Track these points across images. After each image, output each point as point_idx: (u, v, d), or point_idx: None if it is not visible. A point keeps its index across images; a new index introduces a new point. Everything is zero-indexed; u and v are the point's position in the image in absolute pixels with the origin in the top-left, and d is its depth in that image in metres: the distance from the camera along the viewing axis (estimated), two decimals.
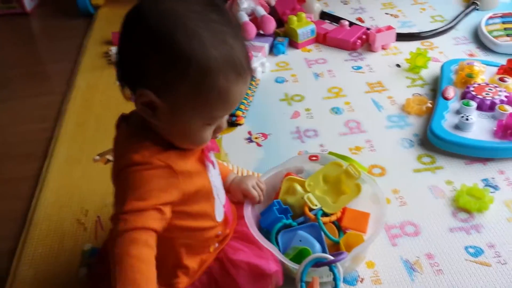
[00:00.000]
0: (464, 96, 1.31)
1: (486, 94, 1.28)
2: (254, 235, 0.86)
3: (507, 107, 1.22)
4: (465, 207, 1.03)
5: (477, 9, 1.88)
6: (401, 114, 1.35)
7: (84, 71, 1.67)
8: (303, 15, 1.73)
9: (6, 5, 2.16)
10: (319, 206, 0.95)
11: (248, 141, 1.29)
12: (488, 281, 0.89)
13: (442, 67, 1.47)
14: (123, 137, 0.74)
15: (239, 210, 0.92)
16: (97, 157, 1.23)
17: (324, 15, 1.87)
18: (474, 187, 1.06)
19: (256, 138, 1.30)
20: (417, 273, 0.91)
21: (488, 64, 1.45)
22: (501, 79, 1.34)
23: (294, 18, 1.71)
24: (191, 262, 0.79)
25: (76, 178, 1.20)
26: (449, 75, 1.42)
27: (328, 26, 1.80)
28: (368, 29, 1.73)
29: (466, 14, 1.84)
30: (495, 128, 1.18)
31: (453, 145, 1.18)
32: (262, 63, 1.59)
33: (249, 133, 1.32)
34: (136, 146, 0.69)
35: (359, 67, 1.59)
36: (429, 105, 1.35)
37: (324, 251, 0.89)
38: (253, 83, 1.48)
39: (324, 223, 0.93)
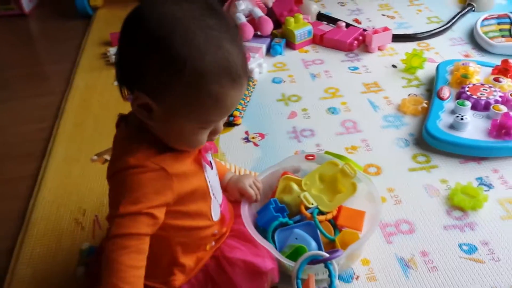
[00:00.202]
0: (459, 96, 1.32)
1: (481, 94, 1.29)
2: (250, 233, 0.87)
3: (501, 107, 1.23)
4: (459, 205, 1.04)
5: (473, 11, 1.90)
6: (397, 114, 1.36)
7: (83, 72, 1.68)
8: (300, 16, 1.75)
9: (4, 6, 2.18)
10: (315, 204, 0.96)
11: (245, 141, 1.30)
12: (481, 277, 0.90)
13: (437, 68, 1.48)
14: (121, 138, 0.75)
15: (236, 209, 0.93)
16: (95, 157, 1.25)
17: (321, 16, 1.88)
18: (468, 185, 1.07)
19: (253, 138, 1.31)
20: (412, 270, 0.92)
21: (483, 64, 1.46)
22: (496, 79, 1.35)
23: (291, 19, 1.72)
24: (187, 260, 0.80)
25: (74, 177, 1.21)
26: (444, 76, 1.43)
27: (325, 27, 1.81)
28: (364, 30, 1.75)
29: (462, 15, 1.86)
30: (489, 128, 1.19)
31: (448, 144, 1.19)
32: (259, 63, 1.60)
33: (246, 133, 1.33)
34: (131, 148, 0.69)
35: (356, 68, 1.60)
36: (425, 105, 1.36)
37: (320, 249, 0.90)
38: (251, 83, 1.49)
39: (320, 222, 0.94)
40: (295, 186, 0.99)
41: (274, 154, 1.22)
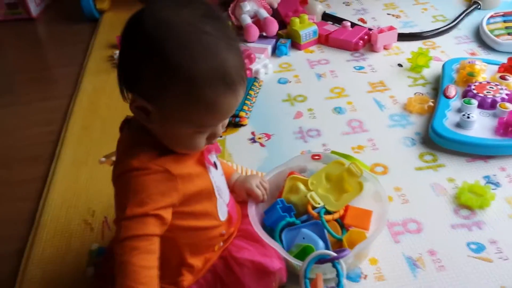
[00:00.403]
0: (466, 94, 1.31)
1: (487, 92, 1.28)
2: (258, 233, 0.87)
3: (508, 105, 1.23)
4: (466, 204, 1.04)
5: (479, 9, 1.89)
6: (403, 113, 1.36)
7: (90, 75, 1.70)
8: (306, 16, 1.75)
9: (12, 10, 2.19)
10: (322, 204, 0.96)
11: (252, 142, 1.30)
12: (490, 276, 0.90)
13: (443, 66, 1.48)
14: (124, 141, 0.76)
15: (243, 209, 0.93)
16: (103, 159, 1.25)
17: (326, 17, 1.88)
18: (475, 184, 1.07)
19: (259, 138, 1.31)
20: (420, 270, 0.92)
21: (489, 62, 1.46)
22: (502, 77, 1.35)
23: (297, 19, 1.73)
24: (196, 261, 0.80)
25: (82, 179, 1.22)
26: (450, 74, 1.43)
27: (330, 27, 1.81)
28: (370, 29, 1.75)
29: (468, 14, 1.85)
30: (496, 126, 1.19)
31: (455, 143, 1.19)
32: (265, 64, 1.60)
33: (253, 133, 1.33)
34: (134, 151, 0.70)
35: (361, 67, 1.60)
36: (431, 104, 1.36)
37: (327, 248, 0.90)
38: (256, 84, 1.50)
39: (327, 221, 0.94)
40: (301, 186, 1.00)
41: (281, 154, 1.23)
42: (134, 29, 0.67)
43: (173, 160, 0.72)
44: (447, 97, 1.32)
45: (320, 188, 0.99)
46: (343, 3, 2.07)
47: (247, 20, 1.75)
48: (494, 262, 0.92)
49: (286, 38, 1.76)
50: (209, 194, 0.79)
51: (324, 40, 1.76)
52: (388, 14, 1.95)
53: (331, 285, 0.86)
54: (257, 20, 1.77)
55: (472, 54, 1.62)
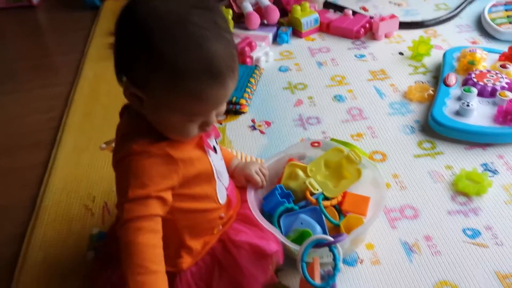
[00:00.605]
0: (466, 82, 1.32)
1: (487, 80, 1.29)
2: (257, 218, 0.88)
3: (507, 93, 1.23)
4: (464, 191, 1.05)
5: None
6: (403, 101, 1.36)
7: (91, 62, 1.71)
8: (307, 4, 1.75)
9: None
10: (320, 190, 0.97)
11: (252, 129, 1.31)
12: (484, 261, 0.91)
13: (444, 55, 1.48)
14: (123, 126, 0.77)
15: (242, 195, 0.94)
16: (104, 145, 1.26)
17: (328, 4, 1.88)
18: (473, 171, 1.08)
19: (259, 126, 1.32)
20: (416, 254, 0.93)
21: (490, 51, 1.46)
22: (503, 66, 1.35)
23: (298, 7, 1.73)
24: (195, 244, 0.81)
25: (83, 165, 1.23)
26: (451, 63, 1.43)
27: (331, 15, 1.81)
28: (371, 17, 1.74)
29: (470, 2, 1.85)
30: (495, 114, 1.19)
31: (454, 131, 1.19)
32: (266, 52, 1.61)
33: (253, 121, 1.34)
34: (134, 135, 0.71)
35: (362, 56, 1.61)
36: (431, 92, 1.36)
37: (324, 233, 0.91)
38: (257, 72, 1.50)
39: (325, 207, 0.95)
40: (300, 173, 1.01)
41: (280, 142, 1.24)
42: (126, 17, 0.67)
43: (172, 144, 0.73)
44: (447, 85, 1.32)
45: (319, 174, 1.00)
46: None
47: (249, 7, 1.75)
48: (489, 248, 0.93)
49: (287, 26, 1.76)
50: (208, 177, 0.80)
51: (325, 28, 1.76)
52: (390, 2, 1.95)
53: (327, 269, 0.87)
54: (259, 8, 1.77)
55: (473, 42, 1.62)
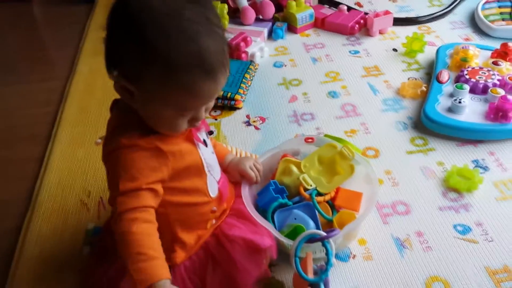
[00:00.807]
0: (458, 79, 1.33)
1: (480, 77, 1.30)
2: (251, 213, 0.89)
3: (499, 90, 1.25)
4: (455, 187, 1.07)
5: None
6: (396, 98, 1.38)
7: (86, 56, 1.71)
8: (302, 0, 1.75)
9: None
10: (314, 186, 0.98)
11: (247, 125, 1.32)
12: (475, 257, 0.93)
13: (437, 51, 1.49)
14: (113, 120, 0.78)
15: (236, 190, 0.95)
16: (99, 140, 1.27)
17: (323, 0, 1.88)
18: (464, 168, 1.09)
19: (254, 121, 1.33)
20: (407, 250, 0.95)
21: (482, 48, 1.47)
22: (495, 63, 1.36)
23: (293, 3, 1.73)
24: (188, 237, 0.82)
25: (79, 160, 1.24)
26: (444, 59, 1.44)
27: (326, 11, 1.82)
28: (366, 13, 1.75)
29: None
30: (487, 111, 1.21)
31: (446, 127, 1.21)
32: (261, 48, 1.61)
33: (248, 116, 1.35)
34: (123, 129, 0.72)
35: (357, 52, 1.61)
36: (424, 88, 1.37)
37: (318, 228, 0.92)
38: (252, 67, 1.50)
39: (319, 202, 0.96)
40: (294, 168, 1.02)
41: (275, 138, 1.25)
42: (119, 10, 0.68)
43: (161, 138, 0.74)
44: (440, 82, 1.34)
45: (313, 170, 1.01)
46: None
47: (244, 2, 1.75)
48: (479, 244, 0.95)
49: (282, 21, 1.76)
50: (198, 170, 0.81)
51: (320, 24, 1.77)
52: None
53: (320, 264, 0.88)
54: (254, 3, 1.77)
55: (467, 39, 1.63)
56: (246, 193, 0.95)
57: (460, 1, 1.83)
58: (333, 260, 0.86)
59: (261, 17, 1.77)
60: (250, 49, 1.58)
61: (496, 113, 1.18)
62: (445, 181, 1.09)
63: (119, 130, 0.73)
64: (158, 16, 0.65)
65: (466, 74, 1.32)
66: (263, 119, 1.33)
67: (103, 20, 0.70)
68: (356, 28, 1.71)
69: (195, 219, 0.83)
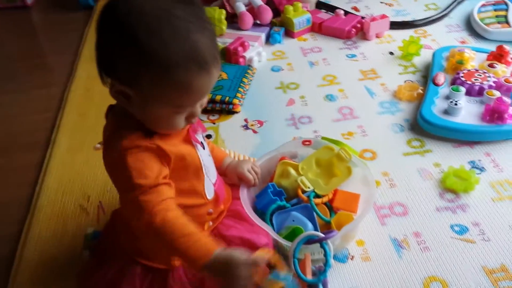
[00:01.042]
0: (454, 82, 1.34)
1: (475, 79, 1.31)
2: (250, 216, 0.90)
3: (495, 92, 1.26)
4: (451, 188, 1.07)
5: None
6: (393, 100, 1.39)
7: (85, 62, 1.72)
8: (299, 4, 1.77)
9: None
10: (311, 188, 0.99)
11: (245, 128, 1.33)
12: (472, 257, 0.93)
13: (433, 54, 1.50)
14: (109, 126, 0.78)
15: (235, 192, 0.96)
16: (98, 145, 1.28)
17: (320, 5, 1.90)
18: (461, 169, 1.10)
19: (252, 125, 1.34)
20: (405, 250, 0.95)
21: (478, 50, 1.48)
22: (491, 65, 1.37)
23: (290, 7, 1.74)
24: None
25: (78, 165, 1.24)
26: (440, 62, 1.45)
27: (323, 15, 1.83)
28: (362, 18, 1.76)
29: (459, 2, 1.87)
30: (483, 113, 1.21)
31: (442, 129, 1.22)
32: (259, 52, 1.62)
33: (246, 120, 1.36)
34: (121, 133, 0.73)
35: (353, 55, 1.63)
36: (420, 91, 1.38)
37: (316, 230, 0.93)
38: (250, 71, 1.52)
39: (317, 204, 0.97)
40: (292, 171, 1.02)
41: (273, 141, 1.25)
42: (107, 15, 0.69)
43: (162, 139, 0.75)
44: (436, 85, 1.35)
45: (310, 172, 1.01)
46: None
47: (241, 7, 1.76)
48: (476, 243, 0.96)
49: (279, 26, 1.78)
50: (196, 172, 0.82)
51: (317, 28, 1.78)
52: (381, 2, 1.97)
53: (319, 265, 0.89)
54: (251, 8, 1.78)
55: (463, 42, 1.64)
56: (245, 196, 0.95)
57: (456, 5, 1.85)
58: (332, 261, 0.86)
59: (258, 22, 1.78)
60: (248, 54, 1.59)
61: (492, 114, 1.19)
62: (442, 182, 1.09)
63: (118, 134, 0.73)
64: (148, 17, 0.65)
65: (462, 77, 1.33)
66: (261, 123, 1.34)
67: None
68: (353, 32, 1.72)
69: (192, 221, 0.83)
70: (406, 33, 1.68)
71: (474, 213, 1.02)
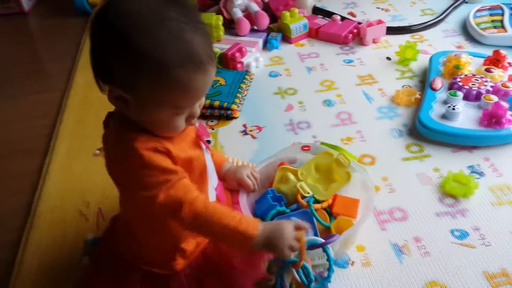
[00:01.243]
0: (451, 87, 1.35)
1: (473, 84, 1.32)
2: None
3: (492, 96, 1.26)
4: (451, 192, 1.08)
5: (466, 2, 1.92)
6: (391, 105, 1.39)
7: (83, 68, 1.71)
8: (296, 10, 1.77)
9: (4, 5, 2.20)
10: (311, 193, 0.99)
11: (243, 134, 1.33)
12: (472, 262, 0.93)
13: (430, 59, 1.51)
14: (113, 133, 0.77)
15: (235, 197, 0.96)
16: (97, 151, 1.28)
17: (317, 10, 1.91)
18: (460, 173, 1.10)
19: (251, 130, 1.34)
20: (405, 256, 0.95)
21: (475, 55, 1.49)
22: (487, 70, 1.38)
23: (287, 13, 1.75)
24: (188, 245, 0.83)
25: (77, 171, 1.24)
26: (437, 67, 1.46)
27: (320, 21, 1.84)
28: (359, 23, 1.77)
29: (455, 7, 1.88)
30: (480, 117, 1.22)
31: (441, 134, 1.22)
32: (256, 58, 1.63)
33: (244, 126, 1.36)
34: (130, 137, 0.72)
35: (351, 61, 1.63)
36: (418, 96, 1.39)
37: (316, 235, 0.93)
38: (248, 77, 1.52)
39: (316, 210, 0.97)
40: (291, 176, 1.03)
41: (272, 146, 1.25)
42: (99, 21, 0.69)
43: (169, 142, 0.74)
44: (434, 90, 1.35)
45: (310, 178, 1.01)
46: None
47: (238, 13, 1.77)
48: (476, 248, 0.96)
49: (277, 31, 1.78)
50: (202, 175, 0.82)
51: (314, 34, 1.79)
52: (377, 8, 1.98)
53: (319, 271, 0.89)
54: (248, 14, 1.79)
55: (459, 47, 1.65)
56: (244, 202, 0.95)
57: (452, 10, 1.86)
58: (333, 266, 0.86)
59: (256, 28, 1.78)
60: (245, 59, 1.59)
61: (490, 119, 1.20)
62: (441, 187, 1.10)
63: (127, 138, 0.72)
64: (141, 20, 0.65)
65: (459, 81, 1.34)
66: (259, 128, 1.34)
67: None
68: (349, 37, 1.72)
69: None
70: (403, 38, 1.69)
71: (474, 218, 1.02)
